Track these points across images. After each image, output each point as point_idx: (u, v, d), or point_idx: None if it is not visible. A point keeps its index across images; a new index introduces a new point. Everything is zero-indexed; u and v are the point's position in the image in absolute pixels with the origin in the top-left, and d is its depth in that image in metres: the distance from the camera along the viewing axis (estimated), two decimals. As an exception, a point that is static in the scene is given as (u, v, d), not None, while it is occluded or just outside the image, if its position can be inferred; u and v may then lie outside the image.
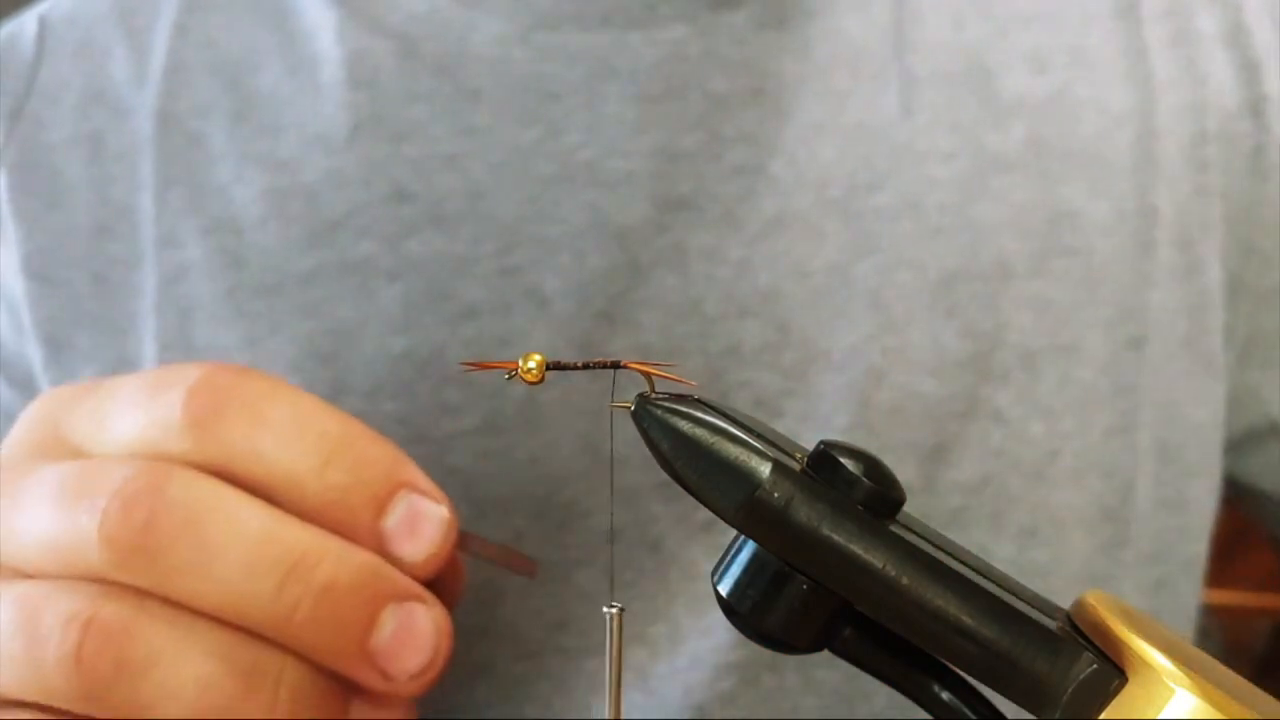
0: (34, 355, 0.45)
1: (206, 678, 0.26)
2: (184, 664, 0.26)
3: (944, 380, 0.41)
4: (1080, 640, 0.20)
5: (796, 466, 0.20)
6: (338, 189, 0.43)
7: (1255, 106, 0.44)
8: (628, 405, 0.21)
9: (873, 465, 0.20)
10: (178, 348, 0.43)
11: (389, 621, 0.27)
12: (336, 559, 0.27)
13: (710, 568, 0.22)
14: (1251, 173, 0.44)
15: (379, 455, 0.28)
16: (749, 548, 0.21)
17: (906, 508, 0.21)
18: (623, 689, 0.24)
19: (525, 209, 0.42)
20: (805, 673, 0.40)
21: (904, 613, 0.19)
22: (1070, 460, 0.42)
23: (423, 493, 0.28)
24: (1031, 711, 0.19)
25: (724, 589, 0.21)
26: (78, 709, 0.26)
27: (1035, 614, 0.20)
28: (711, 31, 0.43)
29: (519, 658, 0.41)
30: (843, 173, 0.42)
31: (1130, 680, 0.19)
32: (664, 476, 0.21)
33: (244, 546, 0.26)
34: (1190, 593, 0.45)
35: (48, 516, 0.27)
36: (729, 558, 0.21)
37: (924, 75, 0.43)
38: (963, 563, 0.20)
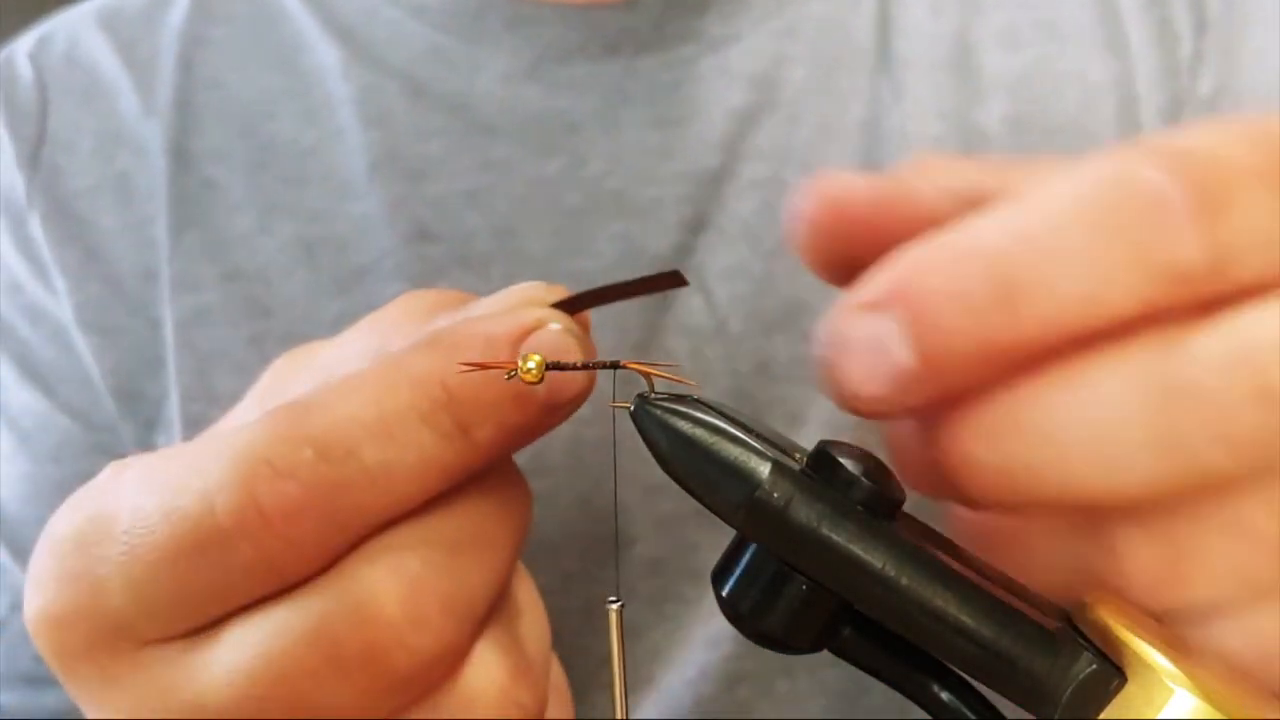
0: (110, 411, 0.43)
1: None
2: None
3: None
4: (1080, 640, 0.20)
5: (796, 466, 0.20)
6: (366, 235, 0.42)
7: (1194, 71, 0.44)
8: (628, 405, 0.21)
9: (872, 465, 0.20)
10: (198, 395, 0.42)
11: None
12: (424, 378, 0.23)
13: None
14: None
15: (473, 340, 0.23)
16: (749, 548, 0.21)
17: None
18: (628, 685, 0.24)
19: (555, 243, 0.42)
20: (816, 675, 0.41)
21: (903, 613, 0.19)
22: None
23: (523, 332, 0.23)
24: (1031, 711, 0.19)
25: (724, 589, 0.21)
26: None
27: (1035, 614, 0.20)
28: (722, 47, 0.43)
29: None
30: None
31: (1130, 680, 0.19)
32: None
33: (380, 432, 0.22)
34: None
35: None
36: (729, 558, 0.21)
37: (910, 60, 0.43)
38: (962, 563, 0.20)
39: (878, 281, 0.20)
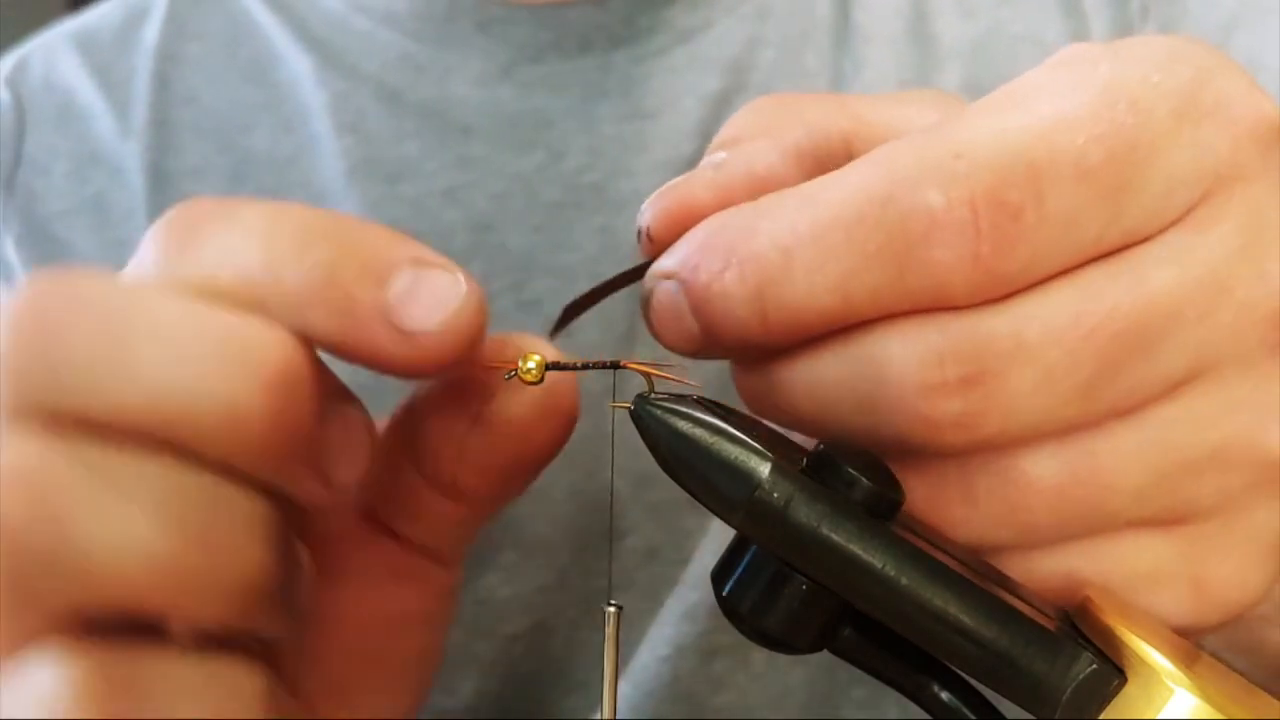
0: None
1: (148, 524, 0.19)
2: (116, 510, 0.19)
3: None
4: (1080, 640, 0.20)
5: (796, 467, 0.20)
6: None
7: (1143, 22, 0.44)
8: (628, 405, 0.21)
9: (873, 465, 0.20)
10: None
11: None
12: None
13: None
14: None
15: (372, 236, 0.22)
16: (749, 548, 0.21)
17: None
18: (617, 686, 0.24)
19: (535, 238, 0.42)
20: None
21: (903, 613, 0.19)
22: None
23: (431, 265, 0.21)
24: (1031, 711, 0.19)
25: (724, 589, 0.21)
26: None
27: (1035, 614, 0.20)
28: (694, 36, 0.43)
29: (568, 692, 0.41)
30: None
31: (1130, 680, 0.19)
32: None
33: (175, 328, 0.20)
34: None
35: None
36: (729, 558, 0.21)
37: (869, 32, 0.44)
38: (962, 563, 0.20)
39: (673, 251, 0.22)
